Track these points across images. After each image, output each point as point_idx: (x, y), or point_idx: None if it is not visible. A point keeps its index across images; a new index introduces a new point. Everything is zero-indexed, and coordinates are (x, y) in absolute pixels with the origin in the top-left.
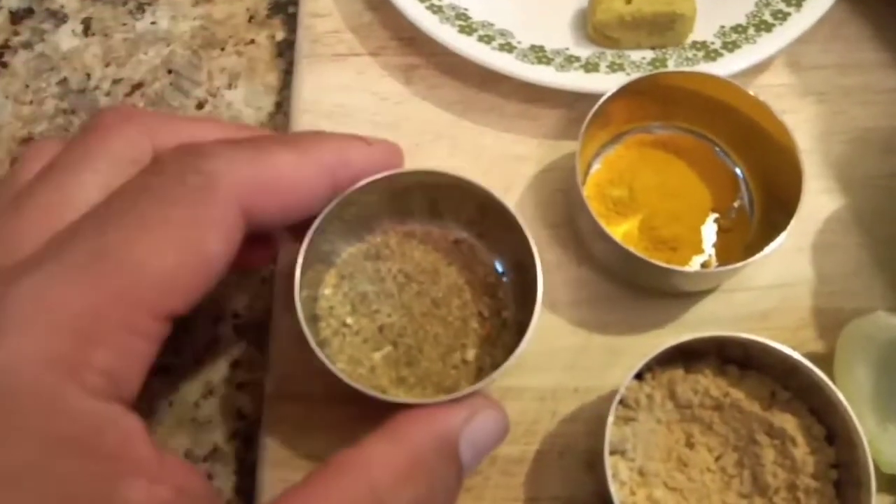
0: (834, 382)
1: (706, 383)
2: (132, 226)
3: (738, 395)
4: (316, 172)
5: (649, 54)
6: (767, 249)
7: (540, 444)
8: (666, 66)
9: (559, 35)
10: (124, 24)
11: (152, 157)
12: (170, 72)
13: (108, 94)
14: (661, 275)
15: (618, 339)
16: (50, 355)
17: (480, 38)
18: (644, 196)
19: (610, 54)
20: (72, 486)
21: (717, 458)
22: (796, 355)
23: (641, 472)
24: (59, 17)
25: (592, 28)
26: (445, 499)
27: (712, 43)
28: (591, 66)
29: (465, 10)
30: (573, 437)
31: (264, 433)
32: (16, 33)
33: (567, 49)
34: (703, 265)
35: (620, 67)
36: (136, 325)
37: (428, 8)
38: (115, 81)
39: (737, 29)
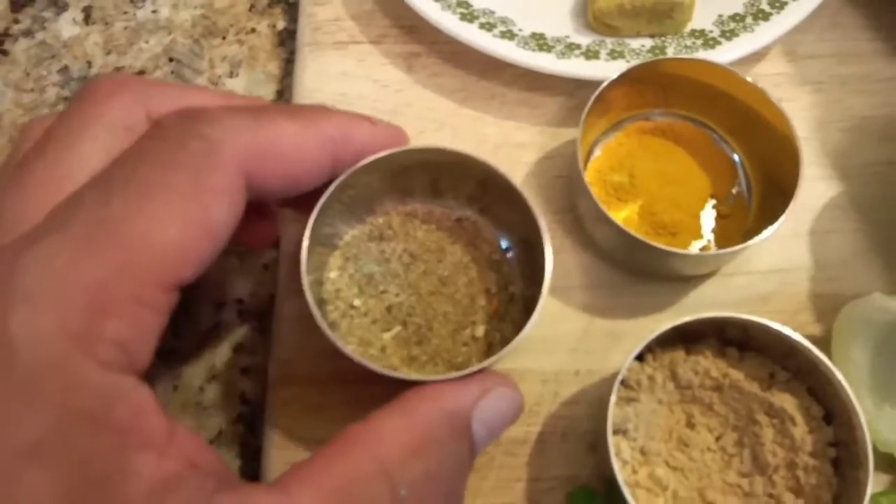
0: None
1: (706, 364)
2: (135, 194)
3: (737, 375)
4: (318, 144)
5: (649, 42)
6: (766, 233)
7: (542, 426)
8: (665, 53)
9: (560, 23)
10: (125, 13)
11: (153, 121)
12: (171, 60)
13: None
14: (662, 258)
15: (619, 323)
16: (63, 328)
17: (482, 26)
18: (644, 182)
19: (610, 42)
20: (86, 459)
21: (718, 438)
22: (795, 335)
23: (643, 452)
24: (59, 5)
25: (593, 16)
26: (456, 474)
27: (711, 31)
28: (591, 54)
29: None
30: (575, 419)
31: (268, 417)
32: (16, 21)
33: (568, 37)
34: (702, 250)
35: (620, 55)
36: (144, 296)
37: None
38: (117, 69)
39: (735, 17)
